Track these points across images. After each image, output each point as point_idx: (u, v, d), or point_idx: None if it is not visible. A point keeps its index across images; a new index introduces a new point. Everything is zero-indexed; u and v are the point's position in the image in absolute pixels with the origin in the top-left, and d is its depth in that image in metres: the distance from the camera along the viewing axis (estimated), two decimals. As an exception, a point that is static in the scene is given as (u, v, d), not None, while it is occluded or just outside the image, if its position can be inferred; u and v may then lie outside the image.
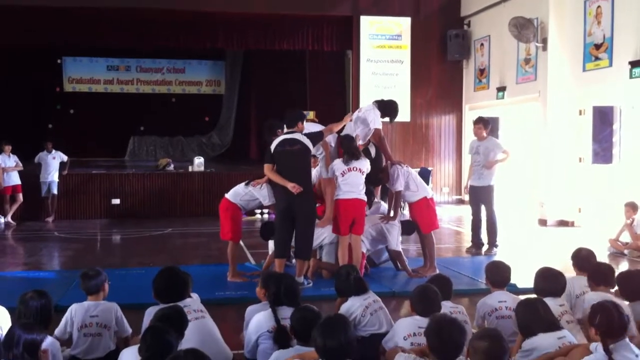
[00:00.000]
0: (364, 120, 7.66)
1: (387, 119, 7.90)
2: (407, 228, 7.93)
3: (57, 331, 4.40)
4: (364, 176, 7.21)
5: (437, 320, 3.58)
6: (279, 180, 6.79)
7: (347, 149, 7.19)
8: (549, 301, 4.28)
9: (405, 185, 7.67)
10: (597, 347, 3.42)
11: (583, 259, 5.25)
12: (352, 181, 7.12)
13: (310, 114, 15.49)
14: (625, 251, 9.38)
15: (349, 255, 7.27)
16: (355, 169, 7.13)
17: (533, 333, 3.88)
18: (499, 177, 9.66)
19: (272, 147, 6.89)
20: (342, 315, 3.84)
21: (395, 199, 7.72)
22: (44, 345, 3.66)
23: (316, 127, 7.50)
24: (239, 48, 19.11)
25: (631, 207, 9.60)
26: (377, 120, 7.68)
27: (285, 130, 7.00)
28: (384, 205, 8.25)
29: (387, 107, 7.86)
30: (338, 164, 7.19)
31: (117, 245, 11.30)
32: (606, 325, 3.40)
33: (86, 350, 4.39)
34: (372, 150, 8.11)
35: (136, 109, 22.53)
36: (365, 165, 7.22)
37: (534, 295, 4.57)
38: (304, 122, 7.14)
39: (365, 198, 7.29)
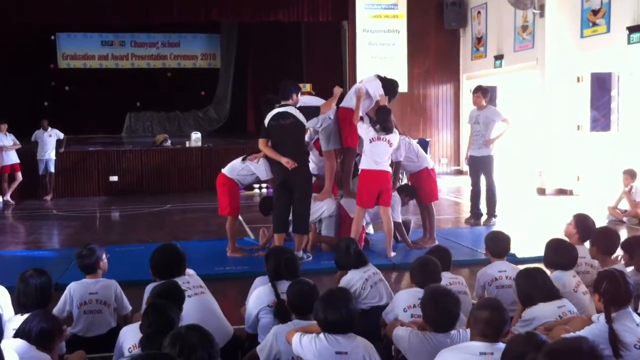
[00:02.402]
0: (366, 92, 7.60)
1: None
2: (410, 192, 7.90)
3: (55, 309, 4.40)
4: (391, 150, 7.11)
5: (432, 292, 3.59)
6: (274, 155, 6.76)
7: (382, 122, 7.05)
8: (561, 274, 4.27)
9: (406, 156, 7.63)
10: (599, 317, 3.42)
11: (588, 229, 5.11)
12: (380, 151, 6.99)
13: (307, 87, 15.39)
14: (624, 219, 9.39)
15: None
16: (384, 139, 7.01)
17: (533, 302, 3.89)
18: (497, 147, 9.63)
19: (266, 121, 6.84)
20: (344, 289, 3.84)
21: (395, 170, 7.69)
22: None
23: (316, 101, 7.45)
24: (234, 20, 18.92)
25: (630, 174, 9.59)
26: (380, 91, 7.61)
27: (280, 103, 6.94)
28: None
29: (390, 86, 7.77)
30: (368, 130, 7.04)
31: (116, 222, 11.29)
32: (612, 292, 3.39)
33: (87, 327, 4.41)
34: None
35: (132, 84, 22.37)
36: (395, 139, 7.11)
37: (533, 265, 4.57)
38: (300, 95, 7.09)
39: (390, 170, 7.19)
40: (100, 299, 4.46)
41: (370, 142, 7.02)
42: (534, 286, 3.93)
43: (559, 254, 4.47)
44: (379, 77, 7.70)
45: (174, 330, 3.02)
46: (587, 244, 5.00)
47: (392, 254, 7.27)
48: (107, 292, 4.50)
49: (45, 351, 3.42)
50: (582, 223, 5.14)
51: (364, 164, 7.08)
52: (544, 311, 3.81)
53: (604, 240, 4.76)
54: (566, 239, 4.90)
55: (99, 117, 21.63)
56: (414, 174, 7.83)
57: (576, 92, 12.32)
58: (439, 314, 3.48)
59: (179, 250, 4.63)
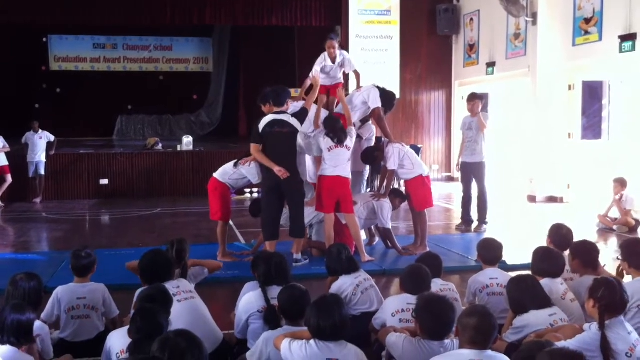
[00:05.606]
0: (363, 100, 7.63)
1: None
2: (401, 194, 7.93)
3: (44, 315, 4.36)
4: (350, 152, 7.19)
5: (427, 299, 3.58)
6: (266, 162, 6.77)
7: (332, 130, 7.13)
8: (549, 282, 4.26)
9: (400, 163, 7.63)
10: (591, 326, 3.42)
11: (563, 237, 5.09)
12: (338, 157, 7.07)
13: (300, 91, 15.38)
14: (614, 227, 9.41)
15: (347, 235, 7.29)
16: (343, 145, 7.09)
17: (525, 310, 3.88)
18: (488, 154, 9.64)
19: (261, 126, 6.82)
20: (336, 295, 3.81)
21: (388, 177, 7.69)
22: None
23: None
24: (227, 23, 18.92)
25: (620, 183, 9.62)
26: (377, 100, 7.63)
27: (274, 109, 6.93)
28: (373, 128, 8.26)
29: (387, 98, 7.82)
30: (325, 140, 7.12)
31: (106, 225, 11.24)
32: (608, 298, 3.38)
33: (75, 332, 4.37)
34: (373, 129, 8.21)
35: (123, 87, 22.28)
36: (351, 141, 7.18)
37: (524, 272, 4.56)
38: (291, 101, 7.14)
39: (349, 176, 7.24)
40: (89, 304, 4.42)
41: (329, 150, 7.08)
42: (526, 293, 3.92)
43: (547, 262, 4.44)
44: (378, 88, 7.72)
45: (162, 335, 2.99)
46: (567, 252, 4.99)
47: (367, 257, 7.27)
48: (95, 296, 4.46)
49: (23, 345, 3.40)
50: (556, 233, 5.14)
51: (323, 170, 7.15)
52: (535, 319, 3.80)
53: (583, 253, 4.71)
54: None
55: (90, 120, 21.58)
56: (408, 180, 7.83)
57: (568, 100, 12.37)
58: (435, 321, 3.45)
59: (167, 255, 4.60)
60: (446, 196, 13.58)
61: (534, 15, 12.72)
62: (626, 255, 4.35)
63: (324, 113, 7.52)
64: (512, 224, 10.22)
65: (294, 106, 7.16)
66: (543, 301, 3.89)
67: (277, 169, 6.65)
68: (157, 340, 2.86)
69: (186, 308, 4.19)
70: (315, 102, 7.60)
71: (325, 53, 7.85)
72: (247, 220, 8.64)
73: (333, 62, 7.85)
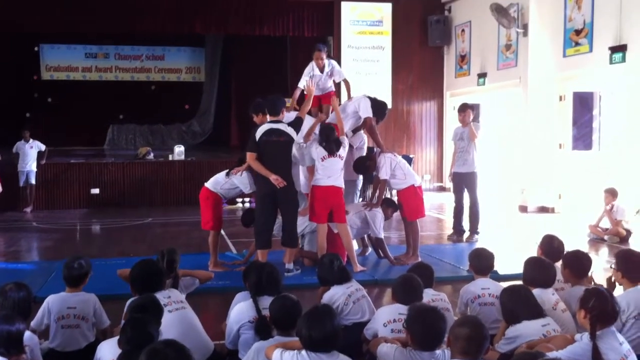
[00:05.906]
0: (354, 110, 7.65)
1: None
2: (392, 204, 7.93)
3: (33, 322, 4.33)
4: (343, 161, 7.20)
5: (419, 309, 3.57)
6: (262, 171, 6.75)
7: (326, 140, 7.14)
8: (541, 292, 4.25)
9: (392, 173, 7.64)
10: (582, 336, 3.41)
11: (555, 249, 5.09)
12: (331, 167, 7.09)
13: (291, 102, 15.39)
14: (605, 237, 9.43)
15: (340, 244, 7.27)
16: (335, 155, 7.11)
17: (518, 320, 3.87)
18: (480, 164, 9.66)
19: (258, 135, 6.82)
20: (328, 306, 3.80)
21: (380, 187, 7.70)
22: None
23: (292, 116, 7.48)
24: (219, 33, 18.95)
25: (610, 193, 9.66)
26: (368, 110, 7.66)
27: (269, 118, 6.93)
28: (364, 137, 8.25)
29: (379, 108, 7.86)
30: (318, 149, 7.15)
31: (97, 235, 11.18)
32: (599, 309, 3.38)
33: (65, 342, 4.33)
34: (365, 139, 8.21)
35: (115, 96, 22.19)
36: (344, 151, 7.21)
37: (517, 282, 4.56)
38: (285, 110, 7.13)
39: (342, 185, 7.25)
40: (79, 314, 4.38)
41: (322, 160, 7.09)
42: (519, 304, 3.92)
43: (538, 272, 4.45)
44: (369, 97, 7.75)
45: (151, 345, 2.96)
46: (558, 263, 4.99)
47: (359, 267, 7.26)
48: (86, 306, 4.43)
49: (13, 356, 3.37)
50: (547, 244, 5.15)
51: (316, 180, 7.15)
52: (528, 329, 3.79)
53: (575, 263, 4.73)
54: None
55: (81, 129, 21.46)
56: (400, 190, 7.84)
57: (558, 111, 12.44)
58: (426, 332, 3.44)
59: (158, 265, 4.58)
60: (438, 206, 13.58)
61: (525, 27, 12.79)
62: (620, 265, 4.36)
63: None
64: (503, 234, 10.23)
65: (287, 116, 7.17)
66: (536, 311, 3.89)
67: (273, 178, 6.65)
68: (145, 350, 2.82)
69: (177, 318, 4.17)
70: (309, 114, 7.62)
71: (313, 63, 7.89)
72: (239, 230, 8.63)
73: (321, 72, 7.90)
